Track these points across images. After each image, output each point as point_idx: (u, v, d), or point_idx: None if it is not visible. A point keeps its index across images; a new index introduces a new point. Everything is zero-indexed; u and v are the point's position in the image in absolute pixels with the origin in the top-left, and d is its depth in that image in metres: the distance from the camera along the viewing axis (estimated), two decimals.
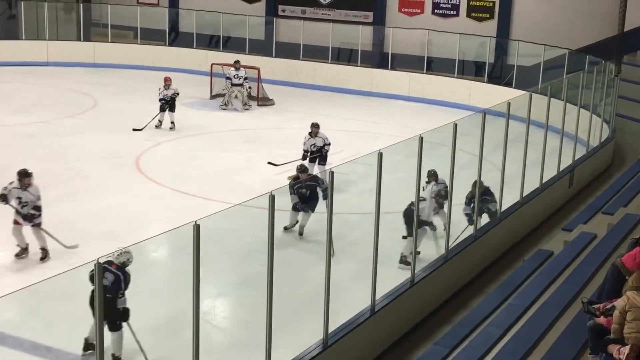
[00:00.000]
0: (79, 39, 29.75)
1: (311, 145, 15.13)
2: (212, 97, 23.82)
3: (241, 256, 10.99)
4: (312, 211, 12.30)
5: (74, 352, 8.64)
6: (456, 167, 10.52)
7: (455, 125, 10.18)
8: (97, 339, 5.55)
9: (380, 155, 8.54)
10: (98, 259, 5.11)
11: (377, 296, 8.82)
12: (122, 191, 14.61)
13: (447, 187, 11.56)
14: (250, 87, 23.08)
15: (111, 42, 29.10)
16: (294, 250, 11.91)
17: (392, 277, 9.89)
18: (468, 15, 27.33)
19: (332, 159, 16.18)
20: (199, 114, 22.14)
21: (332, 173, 7.76)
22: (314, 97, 25.40)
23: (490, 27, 26.79)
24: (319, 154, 15.19)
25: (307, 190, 12.35)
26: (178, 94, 19.70)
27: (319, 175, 13.88)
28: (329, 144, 15.33)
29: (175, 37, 30.03)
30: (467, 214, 11.71)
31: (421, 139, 9.28)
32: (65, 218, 12.79)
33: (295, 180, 12.79)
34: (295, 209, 12.44)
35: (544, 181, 13.84)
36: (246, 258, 10.90)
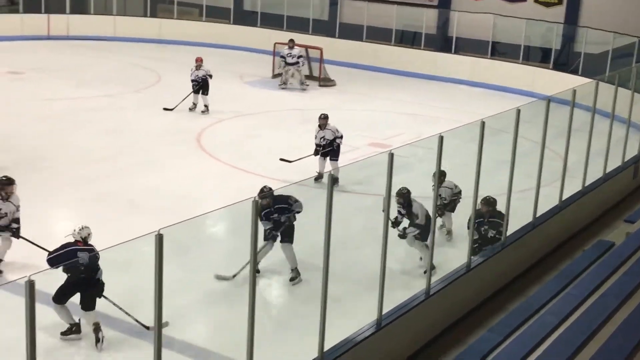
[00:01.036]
0: (145, 15, 30.11)
1: (321, 139, 14.17)
2: (274, 76, 23.90)
3: (296, 235, 11.04)
4: (291, 242, 10.12)
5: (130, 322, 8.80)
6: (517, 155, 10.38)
7: (518, 112, 10.03)
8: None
9: (441, 138, 8.47)
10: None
11: (433, 280, 8.78)
12: (182, 167, 14.80)
13: (453, 190, 11.52)
14: (302, 64, 22.99)
15: (177, 18, 29.44)
16: (351, 231, 11.92)
17: (449, 261, 9.84)
18: (536, 0, 26.84)
19: (392, 142, 16.13)
20: (261, 92, 22.28)
21: (391, 155, 7.73)
22: (376, 79, 25.32)
23: (558, 12, 26.25)
24: (330, 148, 14.13)
25: (279, 215, 10.01)
26: (211, 75, 18.84)
27: (331, 171, 12.44)
28: (341, 137, 14.24)
29: (241, 15, 30.17)
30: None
31: (483, 124, 9.17)
32: (125, 192, 13.03)
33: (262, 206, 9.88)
34: (267, 238, 10.00)
35: (607, 171, 13.57)
36: (302, 237, 10.95)
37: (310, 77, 24.04)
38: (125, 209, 12.28)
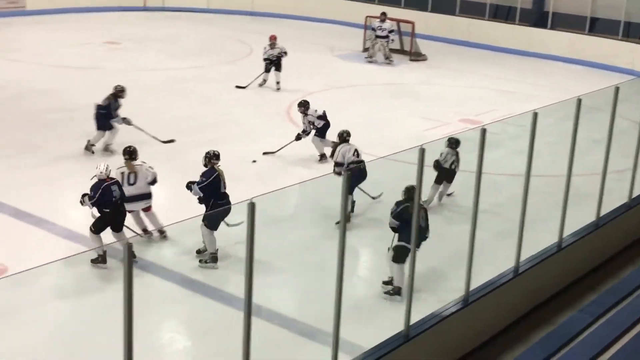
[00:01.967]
0: None
1: (309, 124, 13.97)
2: (365, 49, 23.79)
3: (384, 210, 11.02)
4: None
5: (222, 289, 8.99)
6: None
7: (617, 89, 9.73)
8: None
9: (535, 115, 8.30)
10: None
11: (522, 258, 8.65)
12: (272, 138, 14.92)
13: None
14: (392, 40, 22.73)
15: None
16: (438, 207, 11.83)
17: (538, 241, 9.67)
18: None
19: (483, 118, 15.89)
20: (351, 66, 22.23)
21: (484, 130, 7.62)
22: (467, 54, 24.92)
23: None
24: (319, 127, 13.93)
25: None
26: (285, 53, 18.49)
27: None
28: (320, 117, 13.93)
29: None
30: (392, 228, 9.06)
31: (579, 101, 8.93)
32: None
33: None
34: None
35: None
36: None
37: (401, 51, 23.85)
38: None
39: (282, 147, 13.87)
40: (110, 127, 13.45)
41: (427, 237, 8.97)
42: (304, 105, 14.02)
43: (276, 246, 9.72)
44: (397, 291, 8.85)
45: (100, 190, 9.36)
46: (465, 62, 23.53)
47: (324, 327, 8.09)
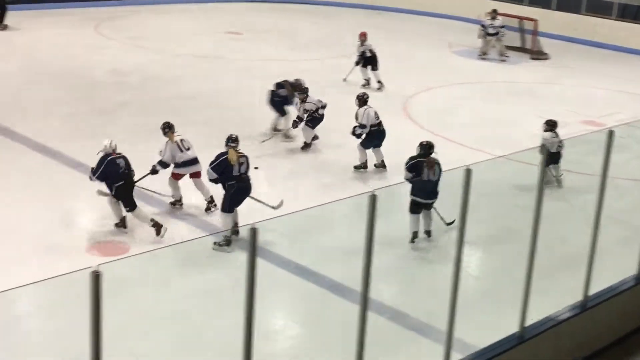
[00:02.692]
0: None
1: (303, 111, 13.82)
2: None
3: (504, 209, 10.88)
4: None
5: (333, 278, 9.09)
6: None
7: None
8: None
9: None
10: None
11: None
12: (387, 131, 14.90)
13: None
14: (504, 35, 22.13)
15: None
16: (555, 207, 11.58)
17: None
18: None
19: (606, 120, 15.41)
20: (469, 62, 21.97)
21: (611, 132, 7.39)
22: (592, 54, 24.20)
23: None
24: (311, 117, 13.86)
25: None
26: (371, 51, 18.08)
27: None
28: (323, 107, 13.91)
29: None
30: (407, 180, 10.08)
31: None
32: (337, 154, 13.37)
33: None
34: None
35: None
36: (510, 211, 10.77)
37: (521, 49, 23.37)
38: (328, 171, 12.60)
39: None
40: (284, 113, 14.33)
41: (437, 193, 9.89)
42: (304, 92, 13.73)
43: (391, 236, 9.73)
44: (413, 237, 9.90)
45: (105, 163, 9.80)
46: (588, 62, 22.86)
47: (432, 323, 8.12)
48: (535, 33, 23.20)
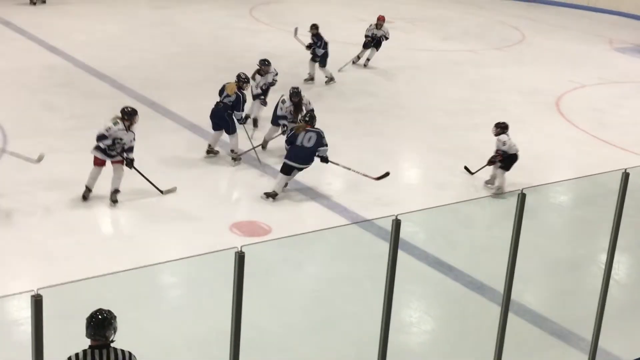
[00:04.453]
0: None
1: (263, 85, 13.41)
2: None
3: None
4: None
5: (473, 276, 8.88)
6: None
7: None
8: None
9: None
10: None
11: None
12: (537, 128, 14.44)
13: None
14: None
15: None
16: None
17: None
18: None
19: None
20: (631, 60, 20.87)
21: None
22: None
23: None
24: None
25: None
26: (387, 37, 17.64)
27: None
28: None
29: None
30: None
31: None
32: (474, 144, 13.06)
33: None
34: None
35: None
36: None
37: None
38: (473, 162, 12.32)
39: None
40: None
41: (313, 160, 10.63)
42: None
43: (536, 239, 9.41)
44: (272, 195, 10.52)
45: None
46: None
47: (576, 330, 7.78)
48: None
